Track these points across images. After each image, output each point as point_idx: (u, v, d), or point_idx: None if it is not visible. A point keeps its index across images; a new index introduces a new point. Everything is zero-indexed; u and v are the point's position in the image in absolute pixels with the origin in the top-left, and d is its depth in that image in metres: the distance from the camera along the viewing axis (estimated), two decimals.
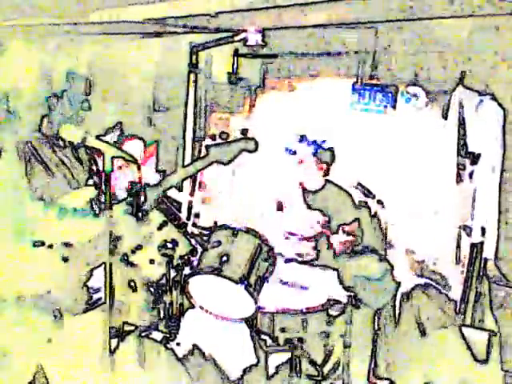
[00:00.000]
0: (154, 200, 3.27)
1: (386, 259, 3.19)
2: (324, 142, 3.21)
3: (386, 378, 3.25)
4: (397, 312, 3.22)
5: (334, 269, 3.22)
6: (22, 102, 3.30)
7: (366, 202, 3.22)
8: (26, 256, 3.32)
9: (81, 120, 3.30)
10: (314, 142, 3.20)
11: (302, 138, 3.20)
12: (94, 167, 3.30)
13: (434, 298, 3.20)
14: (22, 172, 3.29)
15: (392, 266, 3.19)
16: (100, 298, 3.30)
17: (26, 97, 3.30)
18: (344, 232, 3.24)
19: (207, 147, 3.26)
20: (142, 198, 3.25)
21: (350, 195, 3.23)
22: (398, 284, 3.19)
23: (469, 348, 3.16)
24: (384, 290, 3.18)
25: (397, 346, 3.24)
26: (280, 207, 3.28)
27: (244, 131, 3.24)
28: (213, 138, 3.27)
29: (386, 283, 3.18)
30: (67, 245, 3.28)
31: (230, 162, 3.20)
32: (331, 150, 3.20)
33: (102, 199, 3.28)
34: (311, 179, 3.23)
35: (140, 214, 3.27)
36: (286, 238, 3.29)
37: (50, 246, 3.29)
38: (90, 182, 3.32)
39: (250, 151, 3.17)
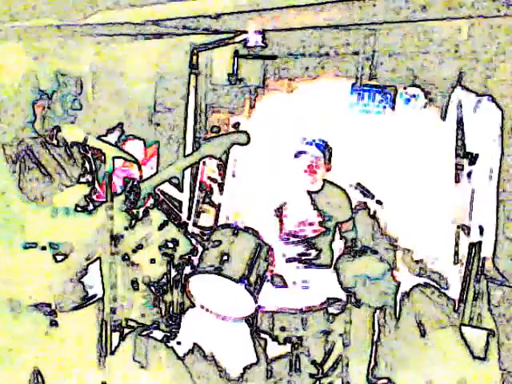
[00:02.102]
0: (148, 194, 3.28)
1: (385, 259, 3.22)
2: (325, 141, 3.24)
3: (386, 378, 3.26)
4: (397, 312, 3.23)
5: (334, 268, 3.24)
6: (11, 103, 3.31)
7: (365, 203, 3.24)
8: (19, 257, 3.32)
9: (73, 119, 3.31)
10: (322, 142, 3.22)
11: (311, 141, 3.22)
12: (88, 165, 3.31)
13: (434, 297, 3.21)
14: (9, 172, 3.30)
15: (391, 266, 3.21)
16: (95, 295, 3.31)
17: (16, 97, 3.31)
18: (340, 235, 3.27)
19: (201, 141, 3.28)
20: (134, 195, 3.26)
21: (347, 194, 3.25)
22: (398, 284, 3.21)
23: (467, 346, 3.18)
24: (384, 290, 3.20)
25: (396, 345, 3.26)
26: (279, 214, 3.30)
27: (236, 125, 3.25)
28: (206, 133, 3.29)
29: (386, 283, 3.19)
30: (61, 245, 3.29)
31: (222, 155, 3.20)
32: (330, 149, 3.23)
33: (95, 197, 3.30)
34: (319, 180, 3.25)
35: (136, 212, 3.28)
36: (287, 238, 3.31)
37: (43, 248, 3.29)
38: (83, 179, 3.33)
39: (241, 144, 3.16)
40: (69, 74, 3.31)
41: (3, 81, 3.30)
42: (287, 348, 3.31)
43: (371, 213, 3.24)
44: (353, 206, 3.26)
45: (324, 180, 3.26)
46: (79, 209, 3.29)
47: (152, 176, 3.30)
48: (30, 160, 3.27)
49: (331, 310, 3.27)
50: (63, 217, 3.28)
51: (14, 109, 3.30)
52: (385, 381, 3.25)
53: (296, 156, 3.24)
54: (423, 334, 3.21)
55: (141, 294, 3.33)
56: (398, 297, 3.21)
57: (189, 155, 3.29)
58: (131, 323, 3.34)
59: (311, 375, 3.29)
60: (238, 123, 3.25)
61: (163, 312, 3.34)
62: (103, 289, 3.27)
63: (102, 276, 3.27)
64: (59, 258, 3.28)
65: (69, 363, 3.38)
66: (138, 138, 3.37)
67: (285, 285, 3.27)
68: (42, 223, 3.29)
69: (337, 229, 3.29)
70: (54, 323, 3.31)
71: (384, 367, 3.27)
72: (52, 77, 3.29)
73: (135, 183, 3.27)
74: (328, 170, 3.24)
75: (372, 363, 3.27)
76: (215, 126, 3.23)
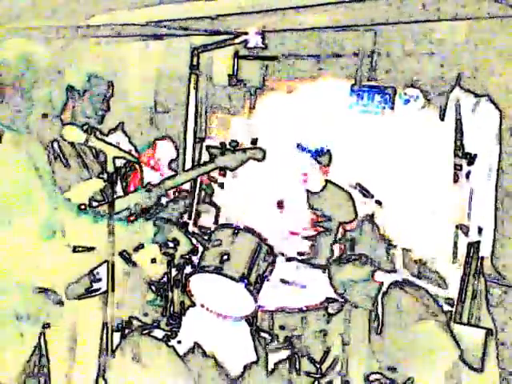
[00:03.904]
0: (155, 201, 3.29)
1: (371, 260, 3.22)
2: (322, 148, 3.25)
3: (379, 373, 3.27)
4: (379, 311, 3.24)
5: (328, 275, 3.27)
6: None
7: (371, 216, 3.25)
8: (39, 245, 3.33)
9: (100, 120, 3.34)
10: (316, 150, 3.24)
11: (303, 148, 3.24)
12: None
13: (411, 291, 3.21)
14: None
15: (375, 268, 3.22)
16: (99, 288, 3.31)
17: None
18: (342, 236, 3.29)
19: (208, 148, 3.29)
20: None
21: (350, 195, 3.26)
22: (381, 284, 3.22)
23: (463, 347, 3.19)
24: (371, 291, 3.21)
25: (384, 342, 3.26)
26: (280, 205, 3.30)
27: (254, 141, 3.25)
28: (222, 145, 3.24)
29: (371, 284, 3.21)
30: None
31: (236, 168, 3.21)
32: (329, 151, 3.25)
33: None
34: (317, 184, 3.26)
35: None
36: (287, 237, 3.32)
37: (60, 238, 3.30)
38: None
39: (257, 160, 3.18)
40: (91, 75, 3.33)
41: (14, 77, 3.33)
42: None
43: (370, 213, 3.25)
44: (357, 208, 3.26)
45: (326, 180, 3.27)
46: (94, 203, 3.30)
47: (159, 183, 3.30)
48: (54, 153, 3.28)
49: (330, 310, 3.29)
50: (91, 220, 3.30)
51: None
52: (378, 376, 3.26)
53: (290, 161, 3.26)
54: (404, 328, 3.21)
55: (143, 293, 3.35)
56: (380, 297, 3.22)
57: (203, 165, 3.29)
58: (134, 322, 3.36)
59: (310, 374, 3.30)
60: (257, 139, 3.25)
61: (164, 311, 3.36)
62: (107, 286, 3.29)
63: (108, 273, 3.29)
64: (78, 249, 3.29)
65: (71, 361, 3.40)
66: (170, 139, 3.38)
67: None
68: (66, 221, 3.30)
69: (339, 229, 3.30)
70: (60, 303, 3.32)
71: (377, 364, 3.28)
72: (81, 76, 3.31)
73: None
74: (325, 173, 3.25)
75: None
76: (233, 141, 3.23)
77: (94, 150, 3.33)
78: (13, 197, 3.30)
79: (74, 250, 3.28)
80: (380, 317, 3.22)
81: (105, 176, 3.27)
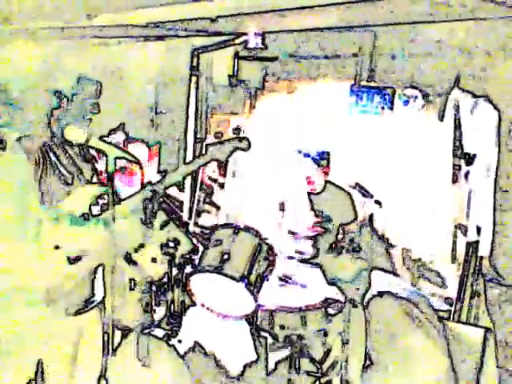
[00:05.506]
0: (155, 198, 3.30)
1: (363, 258, 3.23)
2: (323, 151, 3.27)
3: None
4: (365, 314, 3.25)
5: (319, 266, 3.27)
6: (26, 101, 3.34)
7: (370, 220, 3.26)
8: (32, 255, 3.33)
9: (88, 122, 3.35)
10: (318, 154, 3.26)
11: (306, 154, 3.25)
12: (98, 166, 3.34)
13: (399, 304, 3.22)
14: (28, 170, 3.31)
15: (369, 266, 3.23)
16: (94, 300, 3.32)
17: (30, 96, 3.33)
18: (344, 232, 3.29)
19: (207, 146, 3.31)
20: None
21: (350, 196, 3.27)
22: (369, 285, 3.23)
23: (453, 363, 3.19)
24: (359, 290, 3.23)
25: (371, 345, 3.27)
26: (282, 207, 3.32)
27: (235, 130, 3.28)
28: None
29: (361, 283, 3.22)
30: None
31: (226, 159, 3.24)
32: (328, 153, 3.26)
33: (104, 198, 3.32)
34: (318, 185, 3.28)
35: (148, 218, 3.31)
36: (287, 237, 3.34)
37: (57, 247, 3.31)
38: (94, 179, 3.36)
39: (243, 149, 3.21)
40: (79, 77, 3.34)
41: (17, 79, 3.33)
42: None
43: (369, 214, 3.26)
44: (356, 209, 3.27)
45: (326, 181, 3.28)
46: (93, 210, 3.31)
47: (158, 181, 3.32)
48: (50, 159, 3.30)
49: (330, 310, 3.30)
50: (77, 223, 3.30)
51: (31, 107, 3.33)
52: None
53: (294, 167, 3.28)
54: (392, 338, 3.22)
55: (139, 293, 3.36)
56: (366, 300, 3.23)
57: (196, 158, 3.32)
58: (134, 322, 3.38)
59: (309, 373, 3.31)
60: (239, 128, 3.28)
61: (164, 311, 3.37)
62: (105, 289, 3.30)
63: (103, 277, 3.30)
64: (73, 260, 3.29)
65: (72, 360, 3.41)
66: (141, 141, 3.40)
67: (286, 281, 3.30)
68: (56, 227, 3.30)
69: (339, 230, 3.31)
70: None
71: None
72: (71, 78, 3.32)
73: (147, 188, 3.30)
74: (326, 173, 3.26)
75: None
76: (218, 133, 3.26)
77: (84, 153, 3.34)
78: (13, 204, 3.31)
79: (69, 260, 3.29)
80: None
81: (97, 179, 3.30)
